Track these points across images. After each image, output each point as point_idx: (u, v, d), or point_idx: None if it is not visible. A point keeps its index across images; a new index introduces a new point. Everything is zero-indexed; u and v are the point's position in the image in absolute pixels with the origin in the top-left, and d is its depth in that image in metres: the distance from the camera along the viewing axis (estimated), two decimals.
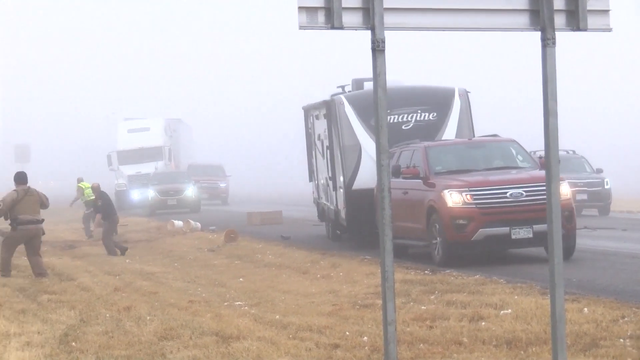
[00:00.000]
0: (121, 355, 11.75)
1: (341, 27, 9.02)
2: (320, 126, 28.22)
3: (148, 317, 14.61)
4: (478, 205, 19.17)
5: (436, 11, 9.32)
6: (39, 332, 13.64)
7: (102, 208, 29.57)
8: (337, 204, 26.16)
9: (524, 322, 12.75)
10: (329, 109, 26.07)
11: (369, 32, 9.10)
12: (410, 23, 9.33)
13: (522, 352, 11.28)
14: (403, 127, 24.68)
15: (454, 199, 19.23)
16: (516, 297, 14.96)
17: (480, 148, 21.75)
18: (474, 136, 24.39)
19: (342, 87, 27.59)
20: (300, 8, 8.96)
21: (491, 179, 20.09)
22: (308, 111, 30.34)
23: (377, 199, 22.07)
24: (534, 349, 11.32)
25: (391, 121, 24.21)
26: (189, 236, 33.60)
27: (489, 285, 16.71)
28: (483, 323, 13.02)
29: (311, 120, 29.92)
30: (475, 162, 21.16)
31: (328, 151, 26.92)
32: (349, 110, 24.97)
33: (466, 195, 19.19)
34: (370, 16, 9.05)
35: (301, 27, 9.04)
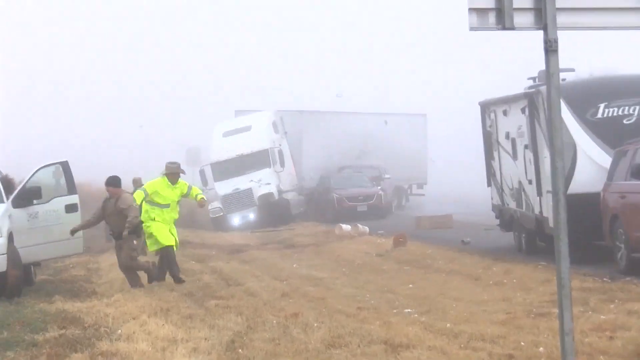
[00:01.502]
0: None
1: (512, 28, 9.12)
2: (510, 123, 26.27)
3: (315, 324, 14.62)
4: None
5: (609, 10, 9.33)
6: (205, 338, 13.80)
7: None
8: (541, 211, 23.73)
9: None
10: (532, 102, 23.59)
11: (541, 32, 9.16)
12: (583, 22, 9.36)
13: None
14: (625, 122, 22.16)
15: None
16: None
17: None
18: None
19: (533, 79, 25.41)
20: (470, 10, 9.11)
21: None
22: (487, 107, 28.67)
23: (602, 206, 20.32)
24: None
25: (612, 115, 22.25)
26: (356, 240, 33.59)
27: None
28: None
29: (492, 117, 28.21)
30: None
31: (526, 151, 24.79)
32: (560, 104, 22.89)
33: None
34: (543, 16, 9.11)
35: (471, 29, 9.21)
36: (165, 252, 21.08)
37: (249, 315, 15.94)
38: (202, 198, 22.37)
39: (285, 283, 21.62)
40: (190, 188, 21.66)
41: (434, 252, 27.40)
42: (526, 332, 13.49)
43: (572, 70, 23.05)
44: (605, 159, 21.35)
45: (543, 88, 22.41)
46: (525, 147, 24.83)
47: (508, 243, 27.80)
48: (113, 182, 20.59)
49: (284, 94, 61.25)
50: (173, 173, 21.32)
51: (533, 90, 23.76)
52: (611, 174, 20.63)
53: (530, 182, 24.66)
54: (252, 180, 44.58)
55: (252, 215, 44.34)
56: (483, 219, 34.96)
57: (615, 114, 22.13)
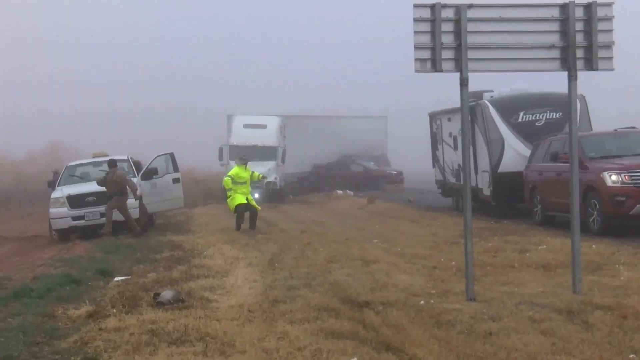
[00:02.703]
0: (304, 271, 11.79)
1: (441, 71, 9.06)
2: (453, 126, 23.38)
3: (320, 249, 14.62)
4: (636, 184, 14.67)
5: (500, 60, 9.17)
6: (255, 257, 13.83)
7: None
8: (477, 184, 21.22)
9: (554, 254, 12.38)
10: (473, 111, 20.79)
11: (458, 74, 9.10)
12: (485, 67, 9.24)
13: (552, 272, 11.02)
14: (536, 124, 20.23)
15: (612, 179, 14.85)
16: (549, 238, 14.55)
17: (624, 137, 16.91)
18: (591, 130, 19.69)
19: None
20: (415, 59, 9.04)
21: None
22: (434, 116, 25.82)
23: (525, 180, 18.54)
24: (560, 270, 11.03)
25: (528, 119, 20.33)
26: (345, 200, 33.47)
27: (532, 230, 16.31)
28: (527, 254, 12.74)
29: (438, 122, 25.38)
30: (622, 149, 16.43)
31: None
32: (492, 112, 20.38)
33: (624, 175, 14.81)
34: (459, 64, 9.03)
35: (416, 71, 9.13)
36: (239, 210, 19.50)
37: (281, 244, 15.91)
38: (263, 176, 21.14)
39: (302, 225, 21.43)
40: (252, 172, 19.99)
41: (390, 206, 27.28)
42: (445, 253, 13.54)
43: (492, 91, 21.57)
44: (523, 149, 19.87)
45: (481, 102, 20.98)
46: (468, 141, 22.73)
47: (438, 203, 26.96)
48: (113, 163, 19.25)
49: (262, 100, 47.94)
50: (246, 162, 19.97)
51: (474, 103, 20.94)
52: (531, 158, 18.98)
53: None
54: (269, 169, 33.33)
55: (257, 195, 29.28)
56: (424, 187, 34.60)
57: (530, 118, 20.43)
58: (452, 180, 24.73)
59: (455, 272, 11.36)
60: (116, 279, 11.86)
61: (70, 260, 13.91)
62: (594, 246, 12.96)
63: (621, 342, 7.10)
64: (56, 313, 9.29)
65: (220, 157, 34.69)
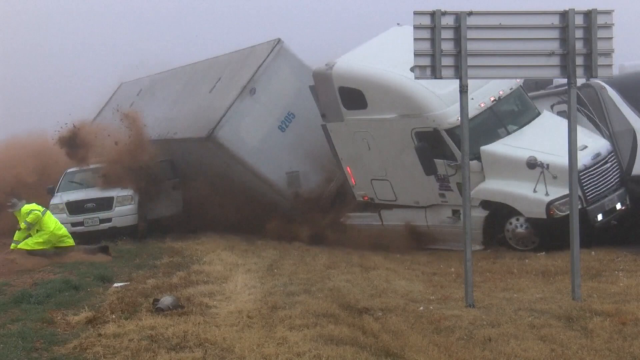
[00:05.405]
0: (303, 277, 11.75)
1: (441, 78, 9.13)
2: None
3: (320, 255, 14.51)
4: None
5: (499, 67, 9.17)
6: (255, 263, 13.79)
7: None
8: None
9: (553, 260, 12.31)
10: (579, 96, 14.09)
11: (457, 80, 9.12)
12: (485, 74, 9.38)
13: (551, 278, 10.98)
14: None
15: None
16: None
17: None
18: None
19: (535, 82, 16.42)
20: (415, 66, 9.09)
21: None
22: None
23: None
24: (559, 277, 10.99)
25: None
26: None
27: None
28: (527, 260, 12.68)
29: None
30: None
31: None
32: (613, 95, 14.38)
33: None
34: (459, 71, 9.08)
35: (416, 78, 9.25)
36: None
37: (280, 250, 15.86)
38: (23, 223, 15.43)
39: None
40: (27, 214, 15.35)
41: None
42: (444, 260, 13.47)
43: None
44: None
45: (595, 83, 14.57)
46: None
47: None
48: None
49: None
50: (14, 205, 15.61)
51: (584, 83, 14.74)
52: None
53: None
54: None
55: (619, 206, 13.94)
56: None
57: None
58: None
59: (455, 278, 11.33)
60: (115, 284, 11.84)
61: (70, 266, 13.88)
62: (593, 253, 12.92)
63: (620, 349, 7.11)
64: (55, 319, 9.30)
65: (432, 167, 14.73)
